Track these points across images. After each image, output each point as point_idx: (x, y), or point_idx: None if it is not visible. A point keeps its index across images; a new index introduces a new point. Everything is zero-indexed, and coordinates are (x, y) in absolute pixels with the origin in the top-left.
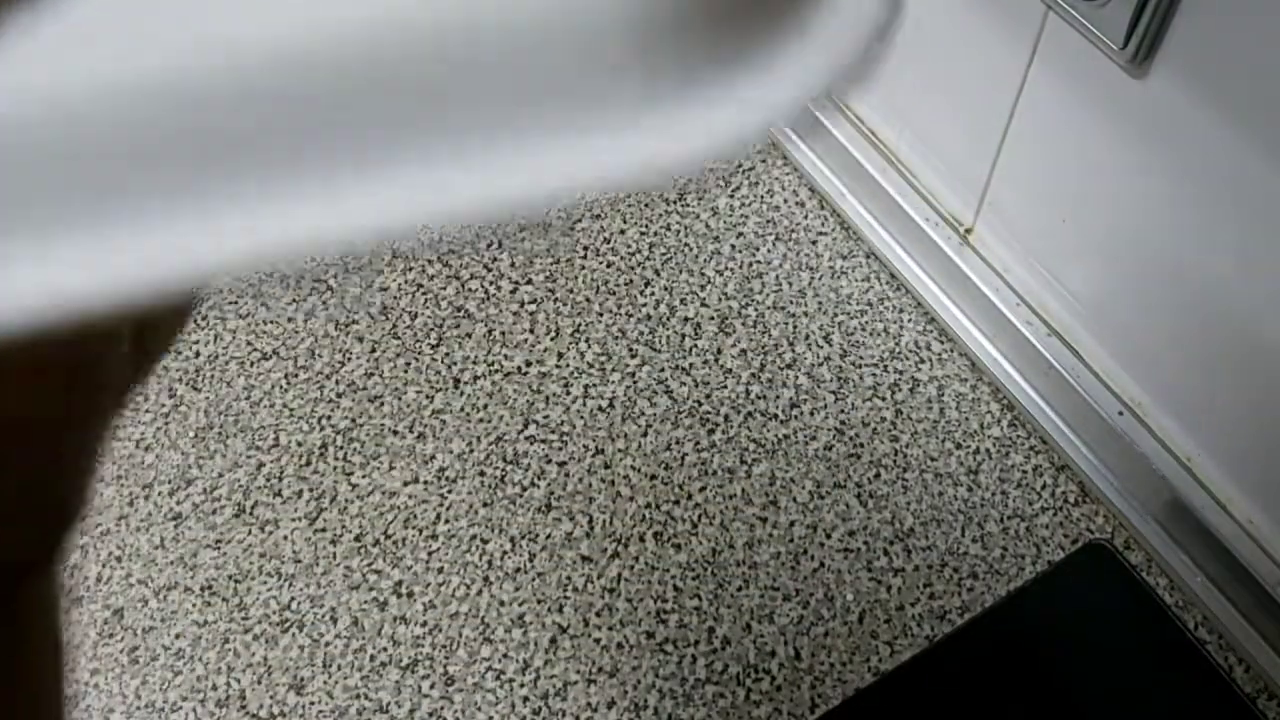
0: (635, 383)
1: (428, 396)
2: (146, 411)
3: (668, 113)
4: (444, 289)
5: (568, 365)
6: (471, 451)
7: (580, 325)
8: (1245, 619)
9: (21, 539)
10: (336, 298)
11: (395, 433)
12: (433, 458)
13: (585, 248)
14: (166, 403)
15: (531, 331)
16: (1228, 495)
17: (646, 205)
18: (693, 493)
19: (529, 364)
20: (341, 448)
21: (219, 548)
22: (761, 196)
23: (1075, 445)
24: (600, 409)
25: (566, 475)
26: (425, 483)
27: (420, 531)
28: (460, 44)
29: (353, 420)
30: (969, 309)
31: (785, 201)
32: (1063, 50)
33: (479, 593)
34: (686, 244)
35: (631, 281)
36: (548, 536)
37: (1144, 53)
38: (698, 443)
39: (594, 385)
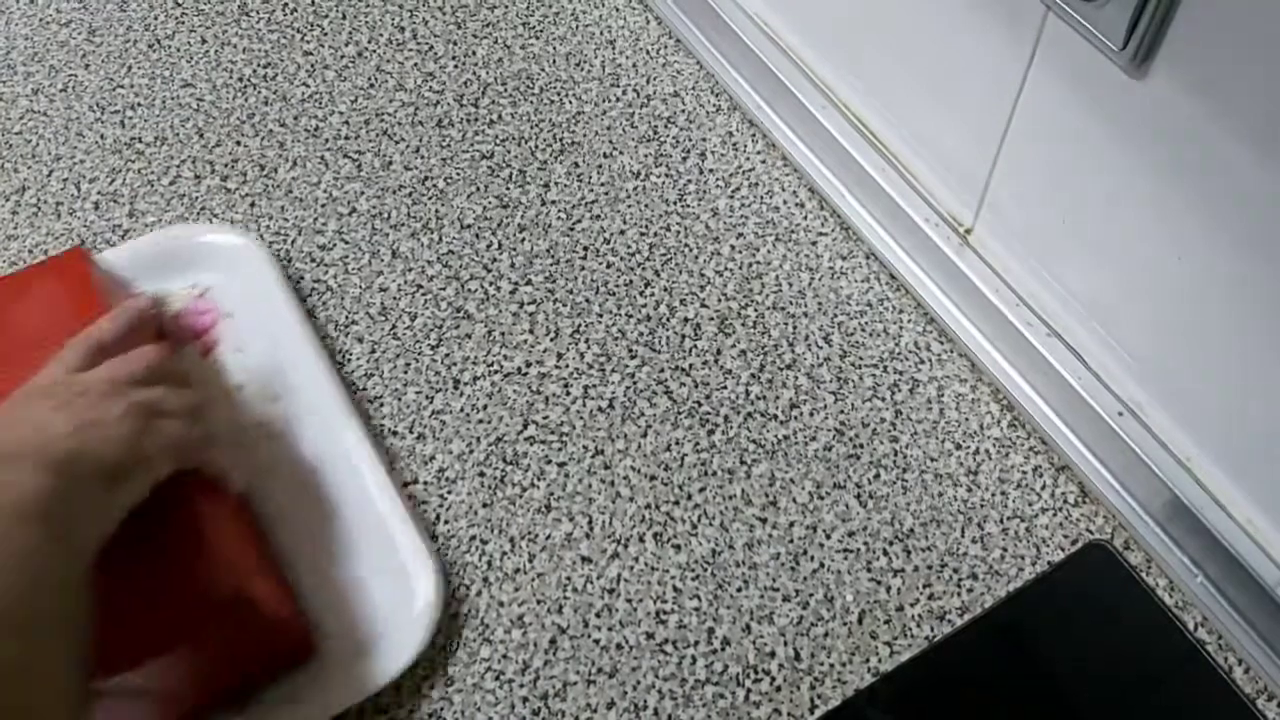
0: (635, 383)
1: (428, 397)
2: None
3: None
4: (444, 289)
5: (568, 365)
6: (471, 452)
7: (580, 325)
8: (1244, 620)
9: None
10: (336, 298)
11: (395, 433)
12: (433, 458)
13: (585, 248)
14: None
15: (531, 332)
16: (1227, 495)
17: (646, 206)
18: (693, 493)
19: (529, 364)
20: None
21: None
22: (761, 197)
23: (1075, 446)
24: (600, 409)
25: (566, 476)
26: (425, 483)
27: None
28: None
29: None
30: (969, 309)
31: (785, 202)
32: (1062, 51)
33: (478, 593)
34: (686, 244)
35: (631, 282)
36: (548, 537)
37: (1143, 53)
38: (698, 443)
39: (594, 385)
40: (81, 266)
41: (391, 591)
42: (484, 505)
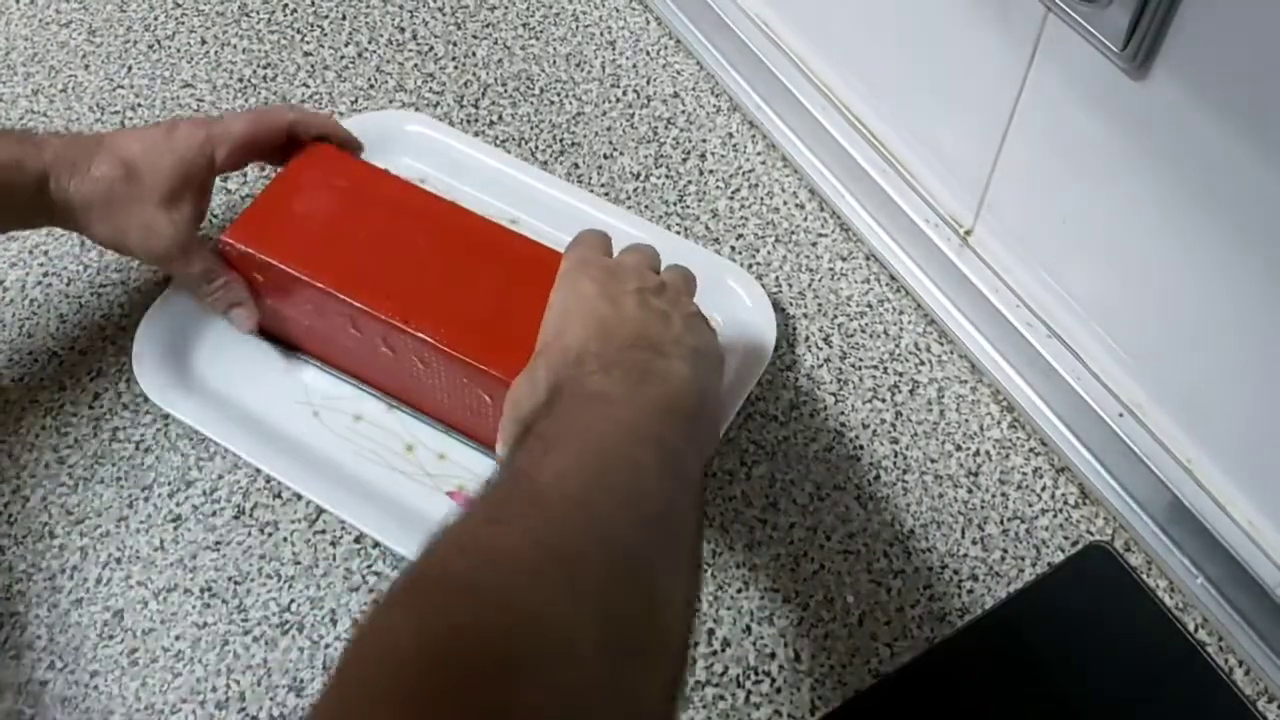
0: None
1: None
2: (146, 413)
3: None
4: None
5: None
6: None
7: None
8: (1245, 621)
9: None
10: None
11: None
12: None
13: None
14: None
15: None
16: (1228, 497)
17: (647, 207)
18: None
19: None
20: None
21: (218, 549)
22: (761, 198)
23: (1075, 447)
24: None
25: None
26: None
27: None
28: None
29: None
30: (969, 310)
31: (785, 203)
32: (1063, 51)
33: None
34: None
35: None
36: None
37: (1144, 54)
38: None
39: None
40: (331, 149)
41: (730, 304)
42: None
